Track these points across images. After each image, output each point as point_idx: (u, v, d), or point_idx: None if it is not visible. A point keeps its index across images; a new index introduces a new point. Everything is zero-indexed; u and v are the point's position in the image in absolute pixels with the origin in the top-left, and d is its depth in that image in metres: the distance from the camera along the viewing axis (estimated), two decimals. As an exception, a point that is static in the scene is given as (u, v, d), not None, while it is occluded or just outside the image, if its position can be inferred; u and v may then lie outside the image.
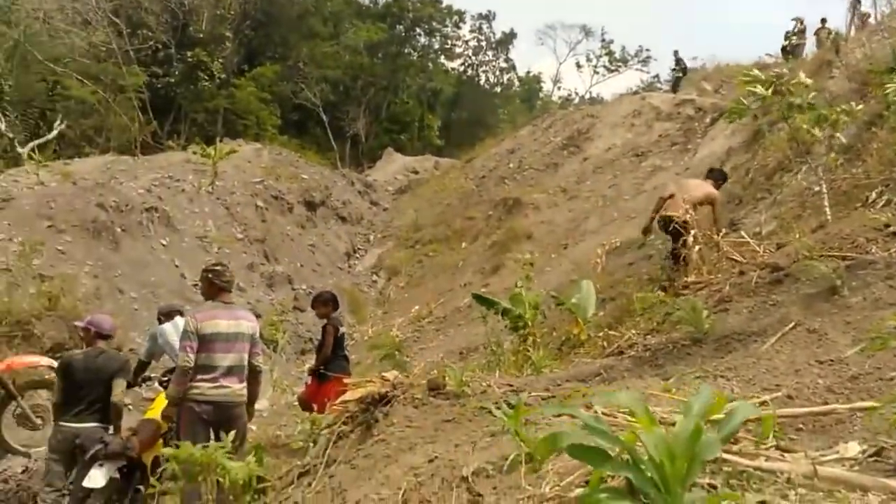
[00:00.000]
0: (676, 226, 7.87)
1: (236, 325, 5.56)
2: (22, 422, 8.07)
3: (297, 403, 8.37)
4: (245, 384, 5.56)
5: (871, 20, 17.61)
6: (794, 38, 21.66)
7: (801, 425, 3.01)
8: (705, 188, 8.65)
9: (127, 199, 15.92)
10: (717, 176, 9.12)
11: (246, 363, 5.57)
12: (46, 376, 7.99)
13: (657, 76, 55.15)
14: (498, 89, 54.12)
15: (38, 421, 7.92)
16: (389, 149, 36.21)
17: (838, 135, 7.10)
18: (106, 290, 13.32)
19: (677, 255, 7.92)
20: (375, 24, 44.67)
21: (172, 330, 7.04)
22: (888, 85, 5.91)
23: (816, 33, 21.08)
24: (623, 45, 56.26)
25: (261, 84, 37.96)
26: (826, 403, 3.18)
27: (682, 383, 3.83)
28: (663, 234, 8.36)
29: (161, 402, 6.32)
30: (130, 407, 10.66)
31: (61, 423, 6.14)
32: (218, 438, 4.29)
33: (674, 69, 26.87)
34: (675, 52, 26.12)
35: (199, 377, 5.41)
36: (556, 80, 61.55)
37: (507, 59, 54.31)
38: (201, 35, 35.97)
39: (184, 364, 5.44)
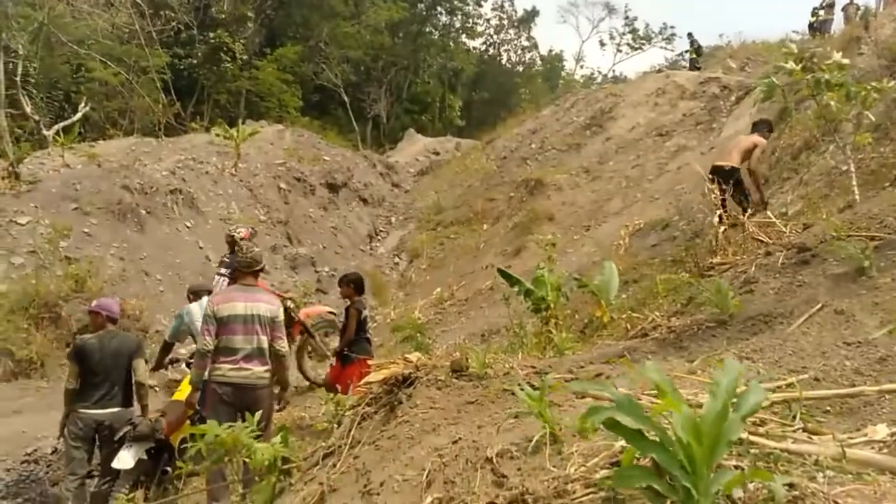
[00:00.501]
0: (725, 172, 8.18)
1: (254, 307, 5.55)
2: (317, 356, 10.05)
3: (321, 384, 8.43)
4: (267, 367, 5.58)
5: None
6: (822, 13, 21.26)
7: (828, 407, 2.98)
8: (752, 138, 8.79)
9: (151, 181, 16.07)
10: (762, 127, 9.20)
11: (266, 346, 5.56)
12: (330, 320, 10.23)
13: (682, 54, 54.43)
14: (520, 68, 53.74)
15: (329, 353, 9.39)
16: (411, 130, 36.16)
17: (867, 112, 6.97)
18: (132, 272, 13.50)
19: (736, 202, 8.18)
20: (396, 2, 44.42)
21: (198, 310, 7.10)
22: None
23: (844, 9, 20.69)
24: (647, 22, 55.81)
25: (282, 65, 37.96)
26: (853, 385, 3.14)
27: (707, 365, 3.81)
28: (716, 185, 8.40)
29: (188, 385, 6.41)
30: (157, 388, 10.83)
31: (81, 411, 6.12)
32: (243, 420, 4.34)
33: (688, 51, 26.89)
34: (690, 34, 26.23)
35: (220, 359, 5.46)
36: (578, 59, 61.46)
37: (530, 38, 53.96)
38: (223, 16, 36.02)
39: (202, 347, 5.51)
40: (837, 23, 20.70)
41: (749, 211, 7.80)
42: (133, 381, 6.39)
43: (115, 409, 6.20)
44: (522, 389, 3.17)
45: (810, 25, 21.36)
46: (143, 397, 6.43)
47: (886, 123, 8.14)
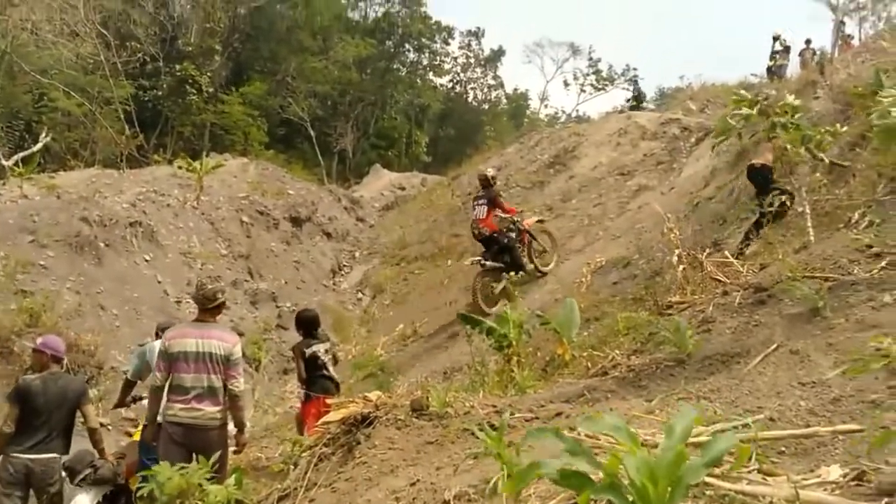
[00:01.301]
0: (759, 172, 8.06)
1: (206, 344, 5.33)
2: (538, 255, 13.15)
3: (281, 424, 8.36)
4: (220, 407, 5.37)
5: (855, 42, 17.90)
6: (779, 57, 21.96)
7: (783, 448, 3.00)
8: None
9: (111, 214, 15.82)
10: None
11: (219, 385, 5.33)
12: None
13: (627, 101, 55.76)
14: (486, 106, 54.40)
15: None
16: (377, 165, 36.25)
17: (822, 155, 7.16)
18: (88, 306, 13.21)
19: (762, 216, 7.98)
20: (364, 39, 44.84)
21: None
22: (872, 107, 5.96)
23: (801, 54, 21.42)
24: (610, 63, 56.78)
25: (248, 100, 37.98)
26: (808, 426, 3.18)
27: (665, 404, 3.82)
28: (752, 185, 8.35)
29: None
30: (109, 427, 10.54)
31: (13, 455, 5.73)
32: (197, 461, 4.22)
33: (628, 100, 28.06)
34: (633, 79, 27.31)
35: (172, 398, 5.30)
36: (543, 98, 62.03)
37: (496, 77, 54.69)
38: (190, 48, 36.00)
39: (153, 383, 5.38)
40: (794, 67, 21.43)
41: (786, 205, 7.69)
42: (86, 427, 6.14)
43: (51, 455, 5.83)
44: (482, 429, 3.15)
45: (768, 69, 22.04)
46: (99, 442, 6.17)
47: (841, 166, 8.36)
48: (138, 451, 6.17)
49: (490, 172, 13.19)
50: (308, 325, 7.96)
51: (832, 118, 9.87)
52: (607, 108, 41.72)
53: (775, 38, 22.14)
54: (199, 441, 5.19)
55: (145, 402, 7.57)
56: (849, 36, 18.95)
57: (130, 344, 12.38)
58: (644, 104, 26.36)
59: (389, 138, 45.35)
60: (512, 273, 11.10)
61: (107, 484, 6.02)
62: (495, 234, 12.07)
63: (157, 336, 7.52)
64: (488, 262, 12.02)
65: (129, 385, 7.42)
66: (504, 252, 12.08)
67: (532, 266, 12.90)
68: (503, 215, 12.29)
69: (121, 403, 7.57)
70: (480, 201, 12.46)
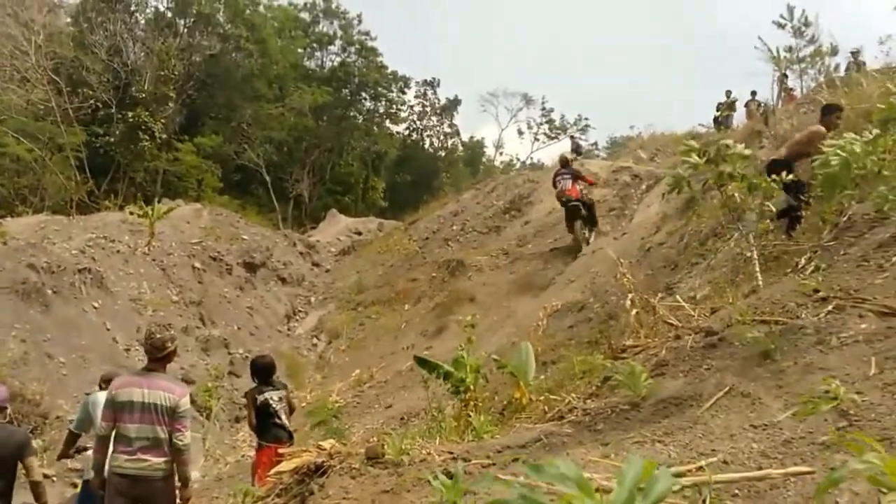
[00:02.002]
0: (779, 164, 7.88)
1: (152, 394, 5.19)
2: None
3: (233, 474, 8.16)
4: (166, 458, 5.22)
5: (797, 94, 18.65)
6: (726, 109, 22.76)
7: (736, 491, 3.02)
8: (810, 129, 8.57)
9: (59, 260, 15.46)
10: (824, 110, 8.92)
11: (165, 436, 5.18)
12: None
13: (595, 143, 56.94)
14: (442, 153, 54.91)
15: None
16: (333, 210, 36.17)
17: (768, 203, 7.36)
18: (34, 354, 12.81)
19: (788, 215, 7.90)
20: (321, 87, 45.11)
21: (103, 399, 6.73)
22: (815, 156, 6.19)
23: (746, 105, 22.23)
24: (563, 113, 57.96)
25: (202, 151, 37.76)
26: (761, 468, 3.20)
27: (620, 449, 3.83)
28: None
29: None
30: (55, 479, 10.15)
31: None
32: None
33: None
34: (573, 138, 28.73)
35: (118, 448, 5.15)
36: (498, 146, 62.80)
37: (452, 125, 55.32)
38: (144, 95, 35.74)
39: (99, 431, 5.24)
40: (740, 118, 22.21)
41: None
42: (28, 480, 5.89)
43: None
44: (437, 478, 3.11)
45: (715, 119, 22.81)
46: (41, 495, 5.92)
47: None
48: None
49: (570, 155, 18.25)
50: (263, 371, 7.82)
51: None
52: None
53: (727, 93, 23.06)
54: (145, 492, 5.05)
55: (90, 452, 7.33)
56: (791, 88, 19.77)
57: (77, 393, 12.00)
58: (581, 157, 27.95)
59: (346, 184, 45.41)
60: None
61: None
62: (579, 200, 15.62)
63: (101, 387, 7.30)
64: (580, 214, 15.73)
65: (72, 437, 7.21)
66: (588, 209, 15.95)
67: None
68: (583, 185, 16.04)
69: (64, 455, 7.38)
70: (565, 175, 15.82)
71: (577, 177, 15.94)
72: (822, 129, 8.40)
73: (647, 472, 2.15)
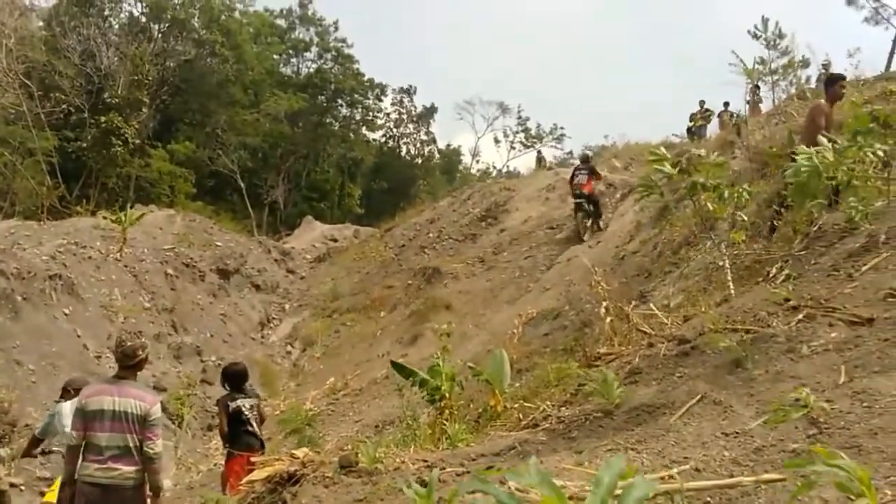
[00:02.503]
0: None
1: (123, 403, 5.13)
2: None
3: (204, 483, 8.07)
4: (137, 467, 5.16)
5: (762, 106, 18.93)
6: (700, 119, 23.02)
7: (708, 498, 3.04)
8: (810, 105, 8.56)
9: (30, 266, 15.20)
10: (827, 83, 8.80)
11: (136, 445, 5.12)
12: None
13: (570, 152, 57.28)
14: (419, 161, 54.92)
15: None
16: (308, 217, 35.99)
17: (740, 213, 7.45)
18: (2, 361, 12.60)
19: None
20: (297, 93, 44.94)
21: (69, 408, 6.62)
22: (786, 166, 6.25)
23: (719, 115, 22.51)
24: (538, 122, 58.24)
25: (175, 158, 37.41)
26: (732, 475, 3.23)
27: (594, 456, 3.84)
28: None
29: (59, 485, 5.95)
30: (22, 488, 9.96)
31: None
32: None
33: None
34: (539, 152, 29.98)
35: (88, 457, 5.08)
36: (474, 154, 62.87)
37: (428, 132, 55.38)
38: (117, 100, 35.34)
39: (69, 441, 5.16)
40: (713, 128, 22.46)
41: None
42: None
43: None
44: (410, 487, 3.09)
45: (688, 130, 23.06)
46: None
47: (758, 222, 8.72)
48: None
49: (590, 153, 20.33)
50: (235, 379, 7.75)
51: (749, 176, 10.34)
52: (534, 165, 42.65)
53: (701, 104, 23.34)
54: (115, 502, 4.98)
55: (53, 455, 7.24)
56: (759, 100, 20.14)
57: (47, 401, 11.82)
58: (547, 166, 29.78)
59: (322, 190, 45.23)
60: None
61: None
62: (591, 194, 17.21)
63: (65, 392, 7.20)
64: (584, 209, 17.24)
65: (35, 441, 7.13)
66: (594, 205, 17.45)
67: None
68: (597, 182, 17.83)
69: (26, 454, 7.34)
70: (583, 171, 17.40)
71: (592, 173, 17.48)
72: (822, 102, 8.42)
73: (626, 476, 2.16)
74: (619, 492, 2.21)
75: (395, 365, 7.55)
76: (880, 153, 5.80)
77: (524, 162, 54.03)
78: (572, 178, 17.70)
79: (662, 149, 7.44)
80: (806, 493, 2.50)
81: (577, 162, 20.47)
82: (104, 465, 5.05)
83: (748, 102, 17.77)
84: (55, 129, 33.17)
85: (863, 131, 5.91)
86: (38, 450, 7.26)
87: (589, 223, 17.60)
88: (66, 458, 5.27)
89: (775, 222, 8.08)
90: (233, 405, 7.48)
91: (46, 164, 31.31)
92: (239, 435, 7.38)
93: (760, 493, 2.98)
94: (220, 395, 7.90)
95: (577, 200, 17.28)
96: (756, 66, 10.19)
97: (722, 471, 3.32)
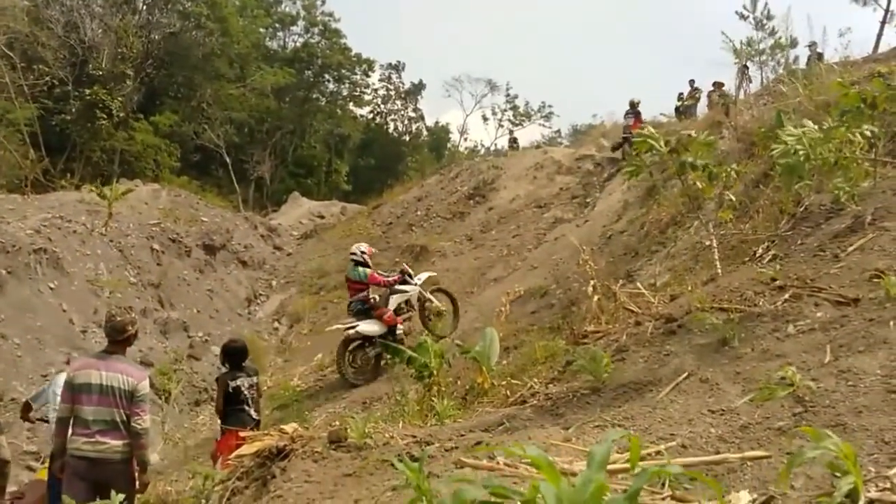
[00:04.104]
0: None
1: (110, 377, 5.16)
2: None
3: (192, 457, 8.11)
4: (125, 441, 5.18)
5: (750, 86, 19.00)
6: (688, 100, 23.04)
7: (694, 475, 3.07)
8: None
9: (14, 240, 15.06)
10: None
11: (123, 419, 5.16)
12: None
13: (559, 131, 57.18)
14: (406, 138, 54.64)
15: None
16: (295, 193, 35.78)
17: (728, 192, 7.48)
18: (-14, 335, 12.51)
19: None
20: (283, 68, 44.49)
21: (63, 379, 6.63)
22: (773, 146, 6.26)
23: (708, 95, 22.50)
24: (527, 100, 58.05)
25: (159, 131, 36.97)
26: (718, 452, 3.27)
27: (581, 432, 3.88)
28: None
29: None
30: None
31: None
32: (100, 497, 4.01)
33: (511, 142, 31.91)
34: (511, 132, 30.32)
35: (76, 431, 5.11)
36: (462, 132, 62.67)
37: (416, 109, 55.03)
38: (101, 73, 34.83)
39: (58, 414, 5.19)
40: (702, 108, 22.51)
41: None
42: None
43: None
44: (401, 460, 3.11)
45: (676, 109, 23.08)
46: (5, 476, 5.84)
47: (746, 202, 8.76)
48: (47, 488, 5.91)
49: (636, 100, 20.97)
50: (235, 356, 7.71)
51: (737, 156, 10.36)
52: (524, 143, 42.62)
53: (691, 83, 23.39)
54: (104, 475, 5.00)
55: (46, 426, 7.29)
56: (721, 83, 20.56)
57: (33, 374, 11.78)
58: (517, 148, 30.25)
59: (308, 166, 44.93)
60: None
61: None
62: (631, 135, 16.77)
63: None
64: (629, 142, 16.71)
65: (26, 406, 7.22)
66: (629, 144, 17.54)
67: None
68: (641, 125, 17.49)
69: (23, 418, 7.40)
70: (630, 115, 20.29)
71: (637, 116, 20.15)
72: None
73: (633, 447, 2.18)
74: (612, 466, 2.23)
75: (383, 345, 7.58)
76: (867, 134, 5.83)
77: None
78: (624, 119, 21.08)
79: (650, 128, 7.43)
80: (792, 470, 2.54)
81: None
82: (92, 439, 5.07)
83: (740, 82, 17.86)
84: (38, 101, 32.70)
85: (850, 112, 5.93)
86: (33, 414, 7.32)
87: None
88: (55, 431, 5.29)
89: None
90: (233, 384, 7.48)
91: (29, 136, 30.88)
92: (233, 412, 7.40)
93: (746, 470, 3.02)
94: (220, 374, 7.89)
95: (624, 135, 19.32)
96: (744, 46, 10.18)
97: (708, 447, 3.37)
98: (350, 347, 11.48)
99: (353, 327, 11.18)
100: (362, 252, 11.71)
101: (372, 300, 11.37)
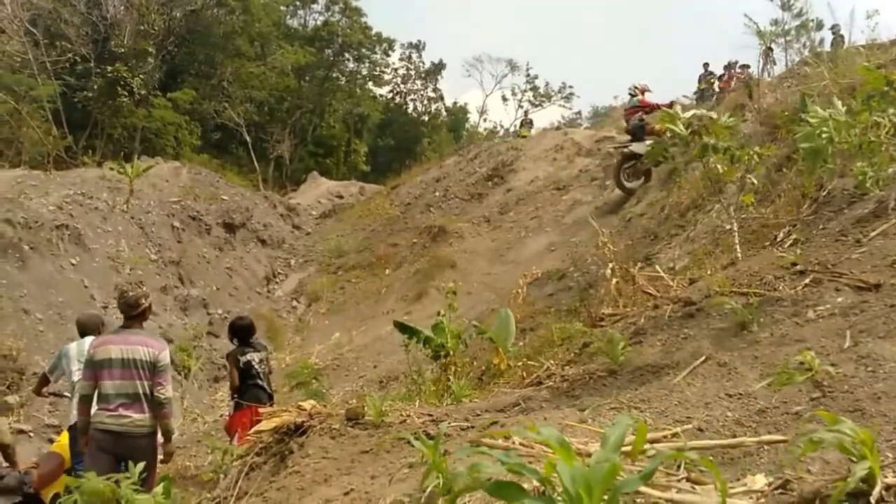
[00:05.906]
0: None
1: (131, 350, 5.23)
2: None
3: (212, 433, 8.21)
4: (148, 414, 5.27)
5: (774, 68, 18.69)
6: (704, 83, 22.79)
7: (711, 457, 3.08)
8: None
9: (37, 216, 15.26)
10: None
11: (146, 392, 5.22)
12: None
13: (579, 112, 56.66)
14: (426, 118, 54.40)
15: None
16: (314, 172, 35.86)
17: (750, 176, 7.40)
18: (10, 309, 12.71)
19: None
20: (304, 47, 44.40)
21: (75, 350, 6.67)
22: (797, 130, 6.17)
23: (720, 78, 22.27)
24: (547, 80, 57.48)
25: (178, 108, 37.08)
26: (735, 436, 3.27)
27: (597, 414, 3.88)
28: None
29: (66, 435, 6.09)
30: (31, 434, 10.13)
31: None
32: (123, 469, 4.08)
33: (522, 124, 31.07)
34: (526, 112, 29.91)
35: (99, 406, 5.18)
36: (482, 112, 62.32)
37: (436, 89, 54.71)
38: (123, 50, 34.98)
39: (80, 391, 5.26)
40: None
41: None
42: None
43: None
44: (418, 438, 3.14)
45: (698, 92, 22.81)
46: (10, 456, 5.91)
47: (767, 186, 8.66)
48: (66, 460, 5.99)
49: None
50: (242, 332, 7.83)
51: (759, 139, 10.23)
52: (544, 123, 42.26)
53: (705, 66, 23.12)
54: (127, 448, 5.06)
55: (63, 400, 7.33)
56: (732, 68, 20.29)
57: (54, 349, 11.95)
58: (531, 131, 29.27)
59: (328, 146, 44.95)
60: None
61: (12, 494, 5.75)
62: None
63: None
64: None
65: (43, 379, 7.21)
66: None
67: None
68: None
69: (36, 392, 7.36)
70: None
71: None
72: None
73: (639, 432, 2.19)
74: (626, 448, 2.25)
75: (398, 325, 7.60)
76: (894, 118, 5.74)
77: (533, 120, 53.49)
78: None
79: (672, 111, 7.35)
80: (809, 454, 2.53)
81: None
82: (115, 413, 5.15)
83: (765, 64, 17.58)
84: (60, 78, 32.92)
85: (875, 95, 5.83)
86: (47, 389, 7.34)
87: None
88: (78, 409, 5.36)
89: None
90: (243, 359, 7.58)
91: (52, 113, 31.12)
92: (247, 388, 7.48)
93: (762, 454, 3.02)
94: (230, 350, 7.98)
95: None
96: (769, 28, 10.00)
97: (725, 431, 3.36)
98: (625, 166, 14.73)
99: (626, 146, 14.56)
100: (635, 87, 15.00)
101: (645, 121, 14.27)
